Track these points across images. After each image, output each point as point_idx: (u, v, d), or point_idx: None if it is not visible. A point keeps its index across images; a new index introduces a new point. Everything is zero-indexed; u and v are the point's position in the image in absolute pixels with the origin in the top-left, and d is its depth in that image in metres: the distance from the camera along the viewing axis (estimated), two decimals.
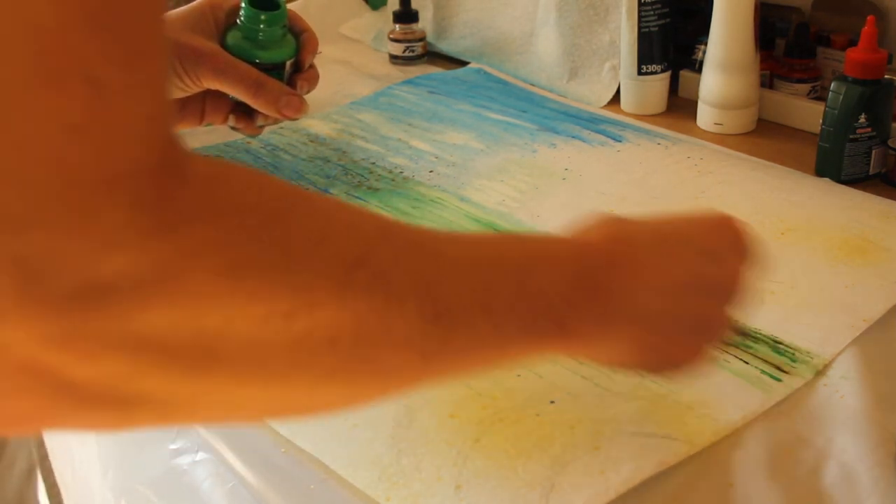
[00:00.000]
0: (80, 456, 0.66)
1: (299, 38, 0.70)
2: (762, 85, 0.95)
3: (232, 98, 0.69)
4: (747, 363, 0.58)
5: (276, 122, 0.70)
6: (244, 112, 0.69)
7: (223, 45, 0.67)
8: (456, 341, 0.36)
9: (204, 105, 0.69)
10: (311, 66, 0.71)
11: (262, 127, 0.71)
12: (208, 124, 0.70)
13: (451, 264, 0.37)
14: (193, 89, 0.66)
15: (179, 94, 0.66)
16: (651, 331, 0.42)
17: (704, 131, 0.95)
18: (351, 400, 0.36)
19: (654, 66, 0.98)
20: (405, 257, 0.35)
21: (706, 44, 0.93)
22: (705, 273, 0.44)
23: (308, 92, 0.70)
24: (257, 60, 0.67)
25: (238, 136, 0.96)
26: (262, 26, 0.66)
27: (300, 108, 0.67)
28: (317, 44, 0.71)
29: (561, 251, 0.42)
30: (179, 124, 0.70)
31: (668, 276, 0.43)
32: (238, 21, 0.67)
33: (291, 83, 0.69)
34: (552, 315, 0.39)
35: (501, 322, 0.37)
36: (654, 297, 0.42)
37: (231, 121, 0.70)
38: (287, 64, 0.69)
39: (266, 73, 0.67)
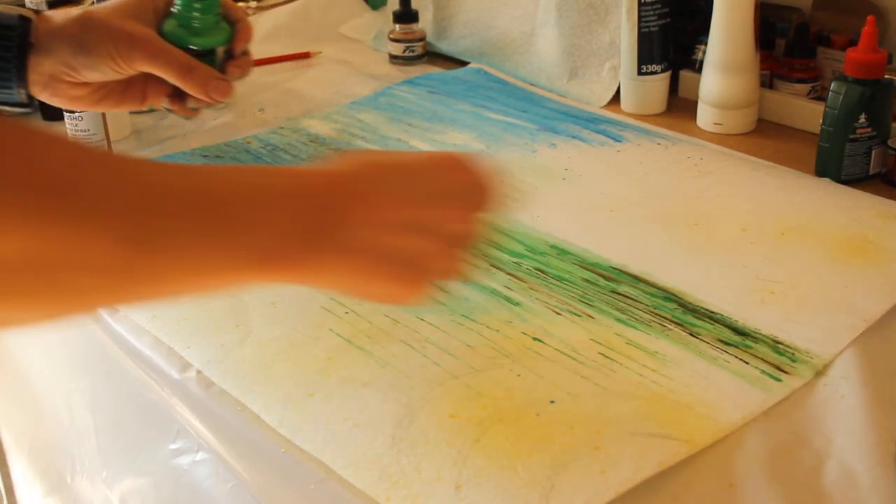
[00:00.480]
0: (80, 456, 0.67)
1: (234, 27, 0.74)
2: (762, 85, 0.95)
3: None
4: (747, 363, 0.58)
5: (208, 105, 0.74)
6: (178, 95, 0.73)
7: (160, 33, 0.70)
8: (161, 266, 0.39)
9: (145, 88, 0.73)
10: (245, 53, 0.75)
11: (195, 109, 0.75)
12: (150, 107, 0.75)
13: (161, 193, 0.39)
14: (128, 72, 0.69)
15: (116, 77, 0.70)
16: (376, 263, 0.47)
17: (704, 131, 0.95)
18: (41, 318, 0.39)
19: (654, 66, 0.98)
20: (108, 186, 0.37)
21: (706, 44, 0.93)
22: (430, 214, 0.48)
23: (239, 78, 0.74)
24: (192, 47, 0.70)
25: (238, 137, 0.96)
26: (195, 14, 0.70)
27: (227, 92, 0.72)
28: (250, 33, 0.75)
29: (293, 184, 0.45)
30: (121, 105, 0.74)
31: (396, 214, 0.47)
32: (174, 9, 0.71)
33: (223, 69, 0.73)
34: (270, 244, 0.43)
35: (211, 249, 0.41)
36: (380, 232, 0.47)
37: (165, 102, 0.74)
38: (219, 50, 0.72)
39: (198, 59, 0.70)
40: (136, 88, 0.73)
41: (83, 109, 0.75)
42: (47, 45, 0.67)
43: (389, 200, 0.48)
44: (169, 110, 0.75)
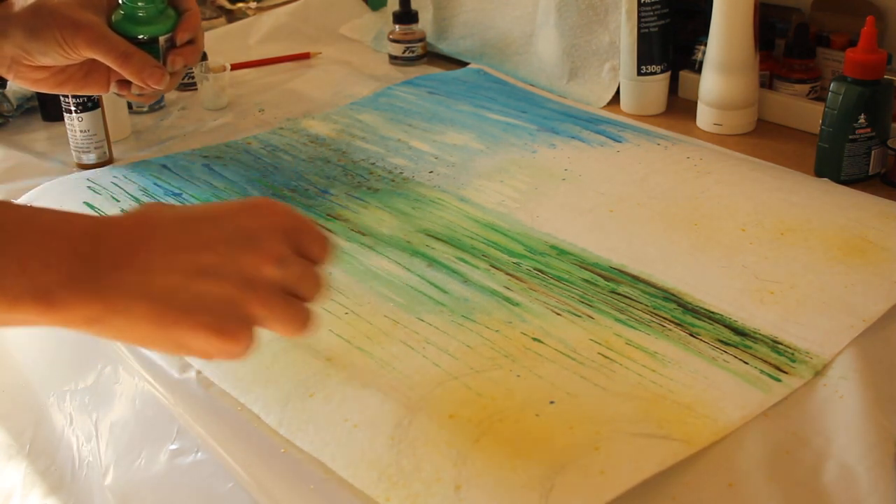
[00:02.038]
0: (80, 456, 0.67)
1: (182, 16, 0.76)
2: (762, 85, 0.95)
3: None
4: (747, 363, 0.59)
5: (154, 92, 0.76)
6: (127, 82, 0.76)
7: (109, 23, 0.74)
8: None
9: (109, 75, 0.77)
10: (190, 42, 0.76)
11: (141, 95, 0.77)
12: (114, 92, 0.78)
13: None
14: (75, 57, 0.73)
15: (66, 62, 0.73)
16: (166, 308, 0.43)
17: (704, 132, 0.95)
18: None
19: (653, 66, 0.98)
20: None
21: (706, 44, 0.93)
22: (233, 257, 0.45)
23: (182, 66, 0.76)
24: (139, 36, 0.74)
25: (238, 137, 0.96)
26: (139, 4, 0.73)
27: (160, 79, 0.73)
28: (196, 23, 0.77)
29: (56, 220, 0.44)
30: (85, 89, 0.78)
31: (189, 257, 0.44)
32: (121, 1, 0.75)
33: (166, 58, 0.75)
34: (30, 283, 0.41)
35: None
36: (170, 276, 0.44)
37: (114, 87, 0.78)
38: (161, 39, 0.75)
39: (140, 47, 0.73)
40: (99, 74, 0.77)
41: (48, 91, 0.78)
42: (4, 29, 0.71)
43: (177, 244, 0.45)
44: (118, 94, 0.78)
